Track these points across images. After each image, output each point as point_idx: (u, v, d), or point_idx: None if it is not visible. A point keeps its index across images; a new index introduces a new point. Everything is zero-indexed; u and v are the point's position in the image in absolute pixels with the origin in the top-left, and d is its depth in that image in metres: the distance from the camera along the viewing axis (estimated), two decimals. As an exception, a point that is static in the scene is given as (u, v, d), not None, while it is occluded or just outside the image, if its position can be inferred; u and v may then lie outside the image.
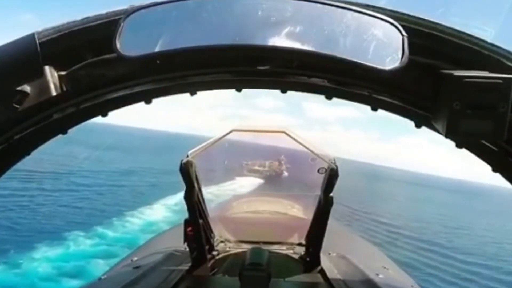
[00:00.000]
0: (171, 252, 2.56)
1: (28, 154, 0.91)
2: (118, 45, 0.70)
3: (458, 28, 0.76)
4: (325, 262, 2.37)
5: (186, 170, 1.94)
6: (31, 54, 0.75)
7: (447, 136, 0.74)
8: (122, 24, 0.72)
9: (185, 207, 2.11)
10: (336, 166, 1.98)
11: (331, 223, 2.23)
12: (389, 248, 13.31)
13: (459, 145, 0.87)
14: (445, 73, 0.73)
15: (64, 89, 0.80)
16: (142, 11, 0.74)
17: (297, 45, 0.68)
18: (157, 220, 13.14)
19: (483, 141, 0.85)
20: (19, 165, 0.91)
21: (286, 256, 2.60)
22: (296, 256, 2.59)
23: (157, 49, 0.70)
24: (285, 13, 0.70)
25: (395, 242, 15.59)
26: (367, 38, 0.70)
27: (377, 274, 2.23)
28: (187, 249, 2.32)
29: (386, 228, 18.30)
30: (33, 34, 0.76)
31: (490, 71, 0.71)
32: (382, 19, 0.72)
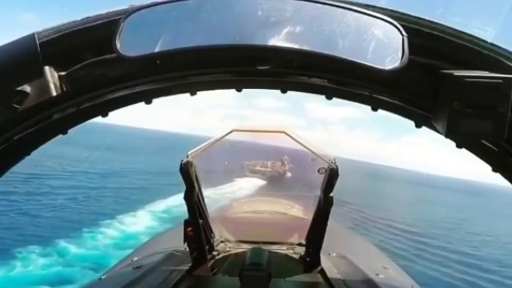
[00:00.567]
0: (171, 252, 2.56)
1: (28, 154, 0.91)
2: (118, 45, 0.70)
3: (458, 28, 0.76)
4: (325, 262, 2.37)
5: (186, 170, 1.94)
6: (31, 54, 0.75)
7: (447, 136, 0.74)
8: (122, 24, 0.72)
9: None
10: (336, 166, 1.98)
11: (331, 223, 2.23)
12: (427, 265, 12.37)
13: (459, 145, 0.87)
14: (445, 73, 0.73)
15: (64, 89, 0.80)
16: (142, 11, 0.74)
17: (297, 45, 0.68)
18: (137, 232, 11.09)
19: (483, 141, 0.85)
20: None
21: (286, 256, 2.60)
22: (296, 256, 2.59)
23: (157, 49, 0.70)
24: (285, 13, 0.70)
25: (424, 254, 14.30)
26: (367, 38, 0.70)
27: (377, 274, 2.23)
28: (187, 249, 2.32)
29: (408, 237, 17.22)
30: (33, 34, 0.76)
31: (490, 71, 0.71)
32: (382, 19, 0.72)
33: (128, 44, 0.71)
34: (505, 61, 0.73)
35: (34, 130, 0.85)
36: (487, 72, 0.71)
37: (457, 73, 0.71)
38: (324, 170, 2.08)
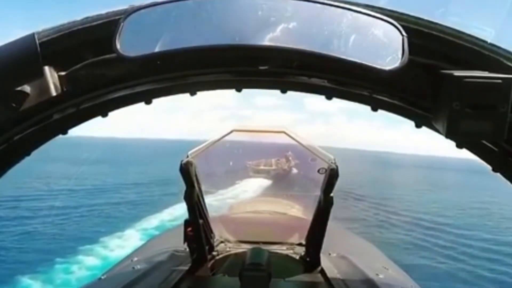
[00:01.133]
0: (171, 252, 2.56)
1: (28, 154, 0.91)
2: (118, 45, 0.70)
3: (458, 28, 0.76)
4: (325, 262, 2.37)
5: (186, 170, 1.94)
6: (31, 54, 0.75)
7: (447, 136, 0.74)
8: (122, 24, 0.72)
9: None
10: (336, 166, 1.98)
11: (331, 224, 2.23)
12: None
13: (459, 145, 0.87)
14: (445, 73, 0.73)
15: (64, 89, 0.80)
16: (142, 11, 0.74)
17: (297, 45, 0.68)
18: (121, 257, 9.16)
19: (483, 141, 0.85)
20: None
21: (286, 256, 2.60)
22: (296, 256, 2.59)
23: (157, 49, 0.70)
24: (285, 13, 0.70)
25: (502, 259, 12.58)
26: (367, 38, 0.70)
27: (377, 274, 2.24)
28: (187, 249, 2.32)
29: (447, 230, 15.87)
30: (33, 34, 0.76)
31: (490, 71, 0.71)
32: (382, 19, 0.72)
33: (128, 44, 0.71)
34: (505, 61, 0.73)
35: (34, 130, 0.85)
36: (487, 72, 0.71)
37: (457, 73, 0.71)
38: (324, 170, 2.08)
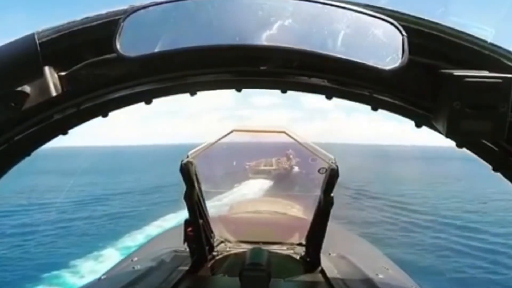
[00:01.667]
0: (171, 252, 2.56)
1: (29, 154, 0.91)
2: (118, 45, 0.70)
3: (458, 28, 0.76)
4: (325, 262, 2.37)
5: (186, 170, 1.94)
6: (31, 54, 0.75)
7: (447, 136, 0.74)
8: (122, 24, 0.72)
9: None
10: (337, 166, 1.98)
11: (331, 224, 2.23)
12: None
13: (459, 145, 0.87)
14: (445, 73, 0.73)
15: (64, 89, 0.80)
16: (142, 11, 0.74)
17: (297, 45, 0.68)
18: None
19: (483, 141, 0.85)
20: None
21: (286, 256, 2.60)
22: (296, 256, 2.59)
23: (157, 49, 0.70)
24: (285, 13, 0.70)
25: None
26: (367, 38, 0.70)
27: (377, 274, 2.24)
28: (187, 249, 2.32)
29: (494, 232, 13.70)
30: (33, 34, 0.76)
31: (490, 71, 0.71)
32: (382, 19, 0.72)
33: (128, 44, 0.71)
34: (505, 61, 0.73)
35: (34, 130, 0.85)
36: (487, 72, 0.71)
37: (457, 73, 0.71)
38: (324, 170, 2.08)
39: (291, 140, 2.14)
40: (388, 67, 0.69)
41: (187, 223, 2.23)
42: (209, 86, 0.98)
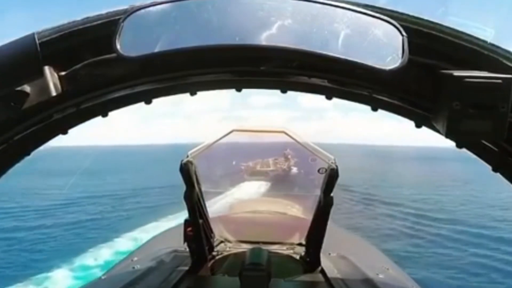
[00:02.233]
0: (171, 252, 2.56)
1: (28, 154, 0.91)
2: (118, 45, 0.70)
3: (458, 28, 0.76)
4: (325, 262, 2.37)
5: (186, 170, 1.95)
6: (31, 54, 0.75)
7: (447, 136, 0.74)
8: (122, 24, 0.72)
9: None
10: (336, 166, 1.98)
11: (331, 224, 2.23)
12: None
13: (459, 145, 0.87)
14: (445, 73, 0.73)
15: (64, 89, 0.80)
16: (142, 11, 0.74)
17: (297, 45, 0.68)
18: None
19: (483, 141, 0.85)
20: None
21: (286, 256, 2.60)
22: (296, 256, 2.59)
23: (157, 49, 0.70)
24: (285, 13, 0.70)
25: None
26: (367, 38, 0.70)
27: (377, 274, 2.24)
28: (187, 249, 2.32)
29: None
30: (33, 34, 0.76)
31: (490, 71, 0.71)
32: (381, 19, 0.72)
33: (128, 44, 0.71)
34: (504, 61, 0.73)
35: (34, 130, 0.85)
36: (487, 72, 0.71)
37: (457, 73, 0.71)
38: (324, 170, 2.08)
39: (291, 140, 2.14)
40: (388, 67, 0.69)
41: (187, 223, 2.23)
42: (209, 86, 0.98)
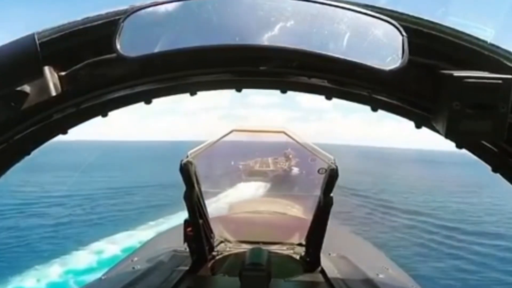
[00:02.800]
0: (171, 252, 2.56)
1: (28, 154, 0.91)
2: (118, 45, 0.70)
3: (458, 28, 0.76)
4: (325, 262, 2.37)
5: (186, 170, 1.94)
6: (31, 54, 0.75)
7: (447, 136, 0.74)
8: (122, 24, 0.72)
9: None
10: (336, 166, 1.98)
11: (331, 223, 2.23)
12: None
13: (459, 145, 0.87)
14: (445, 73, 0.73)
15: (64, 89, 0.80)
16: (142, 11, 0.74)
17: (297, 45, 0.68)
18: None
19: (483, 141, 0.85)
20: None
21: (286, 256, 2.60)
22: (296, 256, 2.59)
23: (157, 49, 0.70)
24: (285, 13, 0.70)
25: None
26: (367, 38, 0.70)
27: (378, 274, 2.24)
28: (187, 249, 2.32)
29: None
30: (33, 34, 0.76)
31: (490, 72, 0.71)
32: (382, 19, 0.72)
33: (128, 44, 0.71)
34: (504, 61, 0.73)
35: (34, 130, 0.85)
36: (487, 72, 0.71)
37: (457, 73, 0.71)
38: (324, 170, 2.08)
39: (290, 140, 2.14)
40: (388, 67, 0.69)
41: (187, 223, 2.23)
42: (209, 86, 0.98)
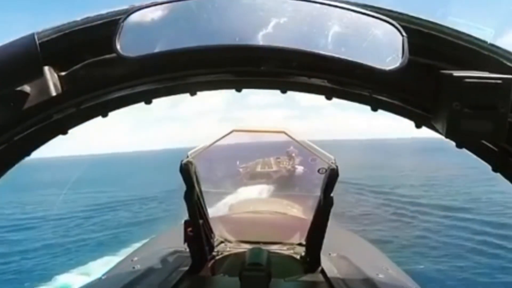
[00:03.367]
0: (171, 252, 2.56)
1: (28, 154, 0.91)
2: (118, 46, 0.70)
3: (458, 28, 0.76)
4: (326, 262, 2.37)
5: (186, 170, 1.95)
6: (31, 54, 0.75)
7: (447, 136, 0.74)
8: (122, 24, 0.72)
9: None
10: (336, 166, 1.98)
11: (331, 224, 2.23)
12: None
13: (459, 145, 0.87)
14: (445, 73, 0.73)
15: (64, 89, 0.80)
16: (142, 11, 0.74)
17: (297, 45, 0.68)
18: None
19: (483, 141, 0.85)
20: None
21: (286, 256, 2.60)
22: (296, 256, 2.59)
23: (157, 50, 0.70)
24: (285, 13, 0.70)
25: None
26: (367, 38, 0.70)
27: (378, 274, 2.24)
28: (187, 249, 2.32)
29: None
30: (33, 34, 0.76)
31: (490, 72, 0.71)
32: (382, 19, 0.72)
33: (128, 44, 0.71)
34: (504, 61, 0.73)
35: (34, 130, 0.85)
36: (487, 72, 0.71)
37: (457, 73, 0.71)
38: (324, 170, 2.08)
39: (290, 140, 2.14)
40: (388, 67, 0.69)
41: (187, 223, 2.23)
42: (209, 86, 0.98)
